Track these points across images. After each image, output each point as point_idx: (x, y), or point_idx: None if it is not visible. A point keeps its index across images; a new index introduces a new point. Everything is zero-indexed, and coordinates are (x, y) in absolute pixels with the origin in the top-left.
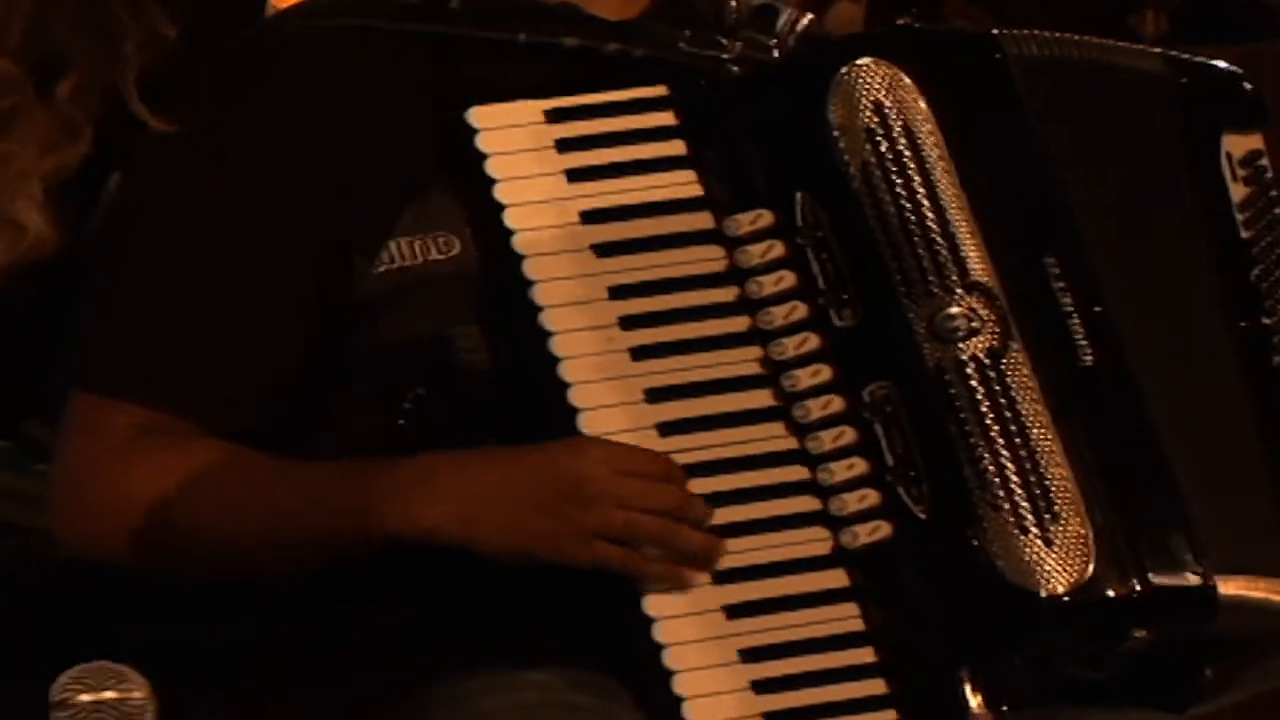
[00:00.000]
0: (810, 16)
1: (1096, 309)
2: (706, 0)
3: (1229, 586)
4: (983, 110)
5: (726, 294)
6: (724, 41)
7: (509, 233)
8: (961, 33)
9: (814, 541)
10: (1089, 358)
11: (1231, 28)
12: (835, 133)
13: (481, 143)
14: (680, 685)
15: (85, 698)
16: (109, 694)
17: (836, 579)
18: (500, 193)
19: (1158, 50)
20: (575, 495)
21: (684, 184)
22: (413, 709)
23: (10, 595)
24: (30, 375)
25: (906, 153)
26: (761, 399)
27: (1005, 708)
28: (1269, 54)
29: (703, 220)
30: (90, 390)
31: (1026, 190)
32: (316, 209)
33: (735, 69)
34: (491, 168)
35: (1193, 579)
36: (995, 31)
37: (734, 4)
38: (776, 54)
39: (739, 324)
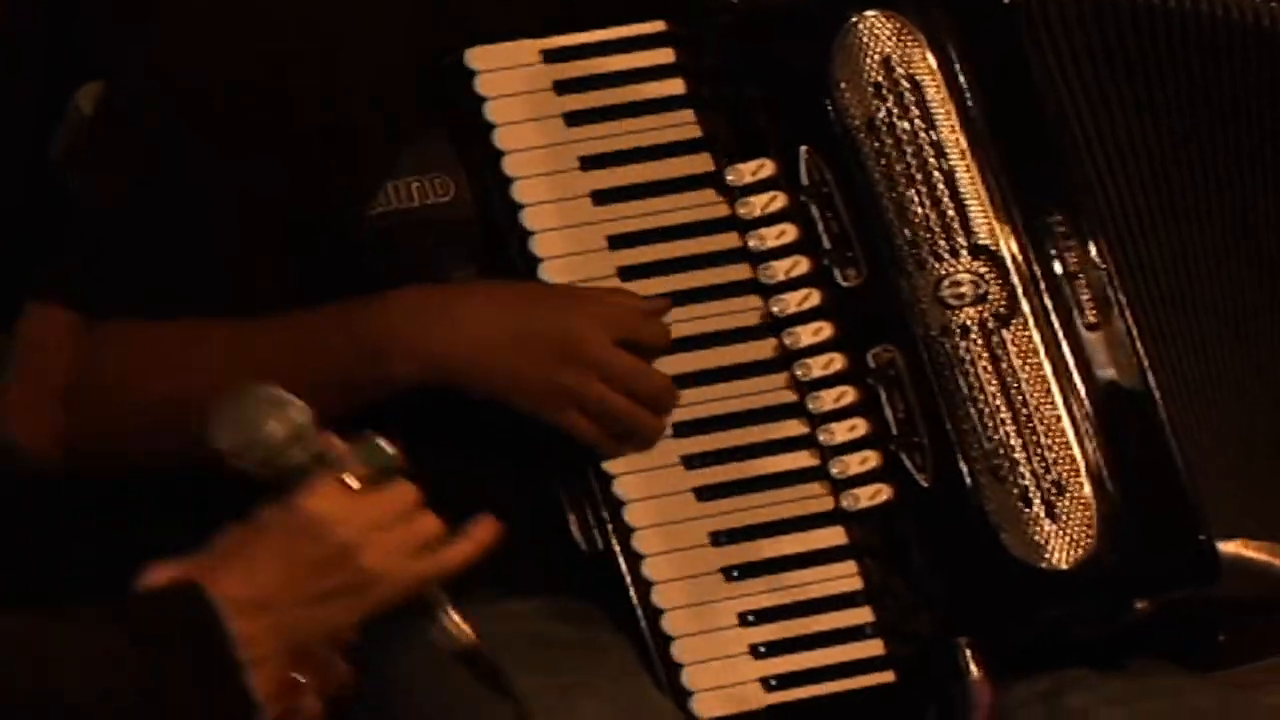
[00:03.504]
0: None
1: (1101, 266)
2: None
3: (1230, 550)
4: (988, 58)
5: (726, 242)
6: None
7: (508, 180)
8: None
9: (812, 499)
10: (1091, 316)
11: None
12: (840, 87)
13: (480, 86)
14: (679, 651)
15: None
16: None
17: (835, 536)
18: (499, 139)
19: None
20: (567, 353)
21: (683, 124)
22: (381, 631)
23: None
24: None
25: (914, 109)
26: (762, 352)
27: (1005, 674)
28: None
29: (702, 163)
30: (46, 300)
31: (1033, 145)
32: (297, 145)
33: (735, 1)
34: (490, 112)
35: (1193, 546)
36: None
37: None
38: None
39: (739, 273)
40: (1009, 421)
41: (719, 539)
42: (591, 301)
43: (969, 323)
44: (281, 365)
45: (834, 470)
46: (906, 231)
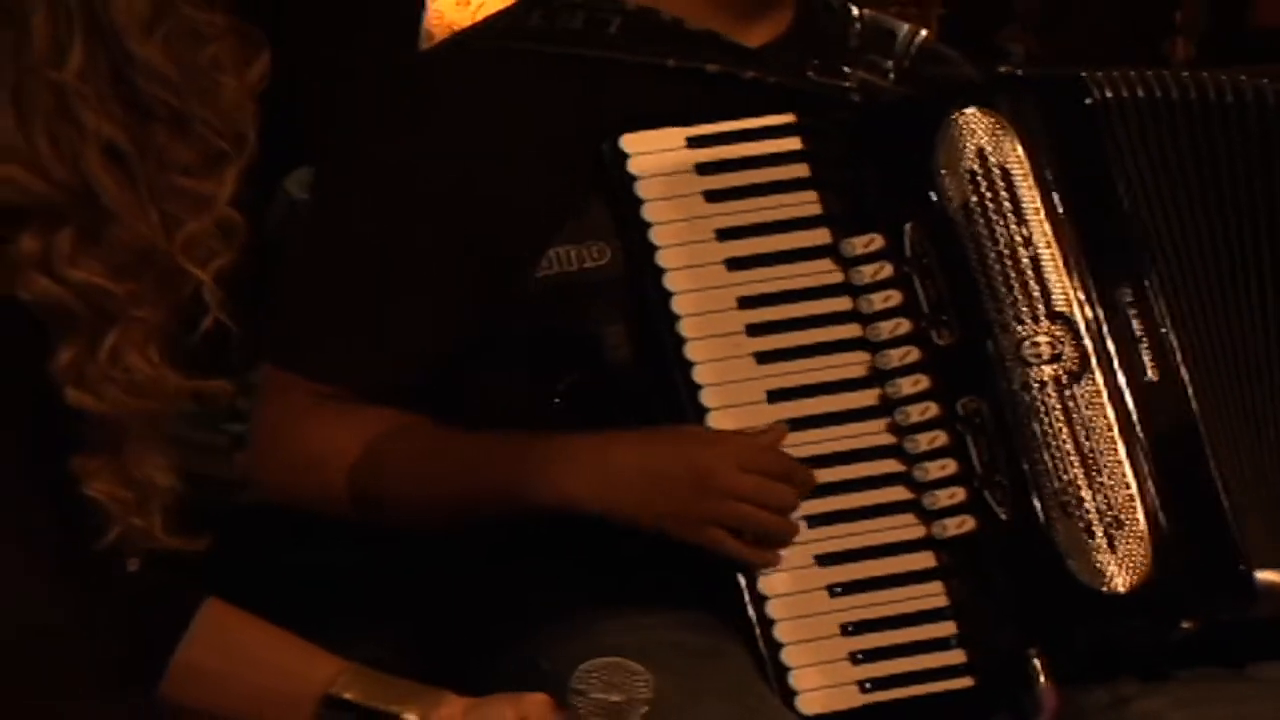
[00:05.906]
0: (925, 32)
1: (1162, 330)
2: (833, 24)
3: (1266, 577)
4: (1070, 151)
5: (839, 304)
6: (847, 70)
7: (654, 248)
8: (1055, 78)
9: (906, 527)
10: (1153, 374)
11: (1257, 54)
12: (941, 174)
13: (632, 166)
14: (788, 656)
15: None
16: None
17: (925, 560)
18: (648, 212)
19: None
20: (701, 484)
21: (805, 203)
22: (544, 640)
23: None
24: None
25: (1004, 194)
26: (867, 400)
27: (1072, 682)
28: None
29: (821, 236)
30: (278, 365)
31: (1106, 226)
32: (480, 224)
33: (856, 98)
34: (640, 189)
35: (1233, 574)
36: (1084, 75)
37: (857, 27)
38: (893, 75)
39: (851, 332)
40: (1077, 464)
41: (824, 560)
42: (719, 440)
43: (1045, 379)
44: (460, 470)
45: (926, 503)
46: (994, 299)
